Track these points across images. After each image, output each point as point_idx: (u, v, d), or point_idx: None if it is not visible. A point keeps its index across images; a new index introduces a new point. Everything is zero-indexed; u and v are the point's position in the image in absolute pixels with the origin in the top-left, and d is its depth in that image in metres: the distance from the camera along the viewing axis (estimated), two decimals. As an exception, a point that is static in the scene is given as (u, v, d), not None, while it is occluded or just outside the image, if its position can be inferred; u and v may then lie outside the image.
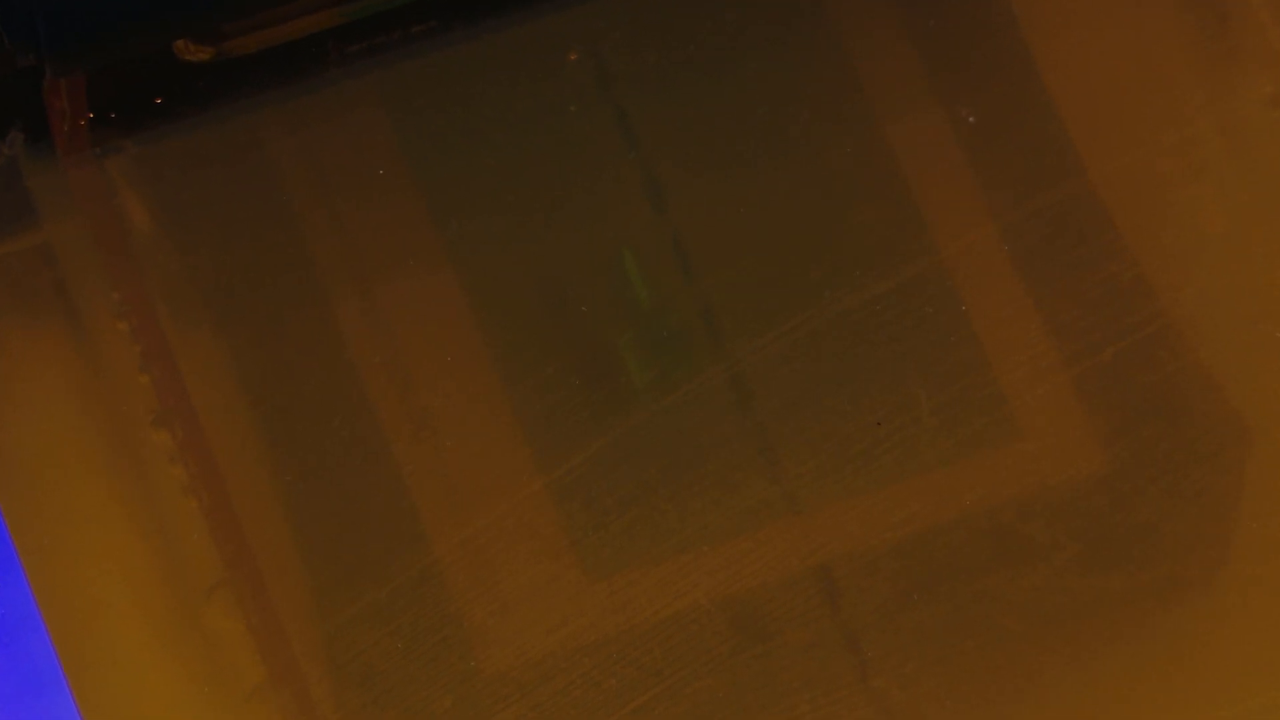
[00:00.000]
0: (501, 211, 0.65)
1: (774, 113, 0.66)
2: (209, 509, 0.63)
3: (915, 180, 0.65)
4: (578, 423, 0.64)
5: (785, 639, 0.63)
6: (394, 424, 0.64)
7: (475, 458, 0.64)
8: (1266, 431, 0.63)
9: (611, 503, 0.63)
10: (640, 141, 0.66)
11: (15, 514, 0.63)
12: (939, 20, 0.66)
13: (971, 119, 0.65)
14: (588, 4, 0.65)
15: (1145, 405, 0.63)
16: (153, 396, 0.64)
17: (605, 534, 0.63)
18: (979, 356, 0.64)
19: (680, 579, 0.63)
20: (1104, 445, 0.63)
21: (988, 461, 0.63)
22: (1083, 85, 0.66)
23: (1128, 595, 0.63)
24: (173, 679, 0.62)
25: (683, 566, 0.63)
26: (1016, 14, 0.65)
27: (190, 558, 0.63)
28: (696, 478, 0.64)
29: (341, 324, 0.65)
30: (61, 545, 0.63)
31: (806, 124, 0.66)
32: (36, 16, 0.58)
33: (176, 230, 0.65)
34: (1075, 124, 0.65)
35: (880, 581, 0.63)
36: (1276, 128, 0.65)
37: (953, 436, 0.64)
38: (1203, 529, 0.63)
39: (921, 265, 0.64)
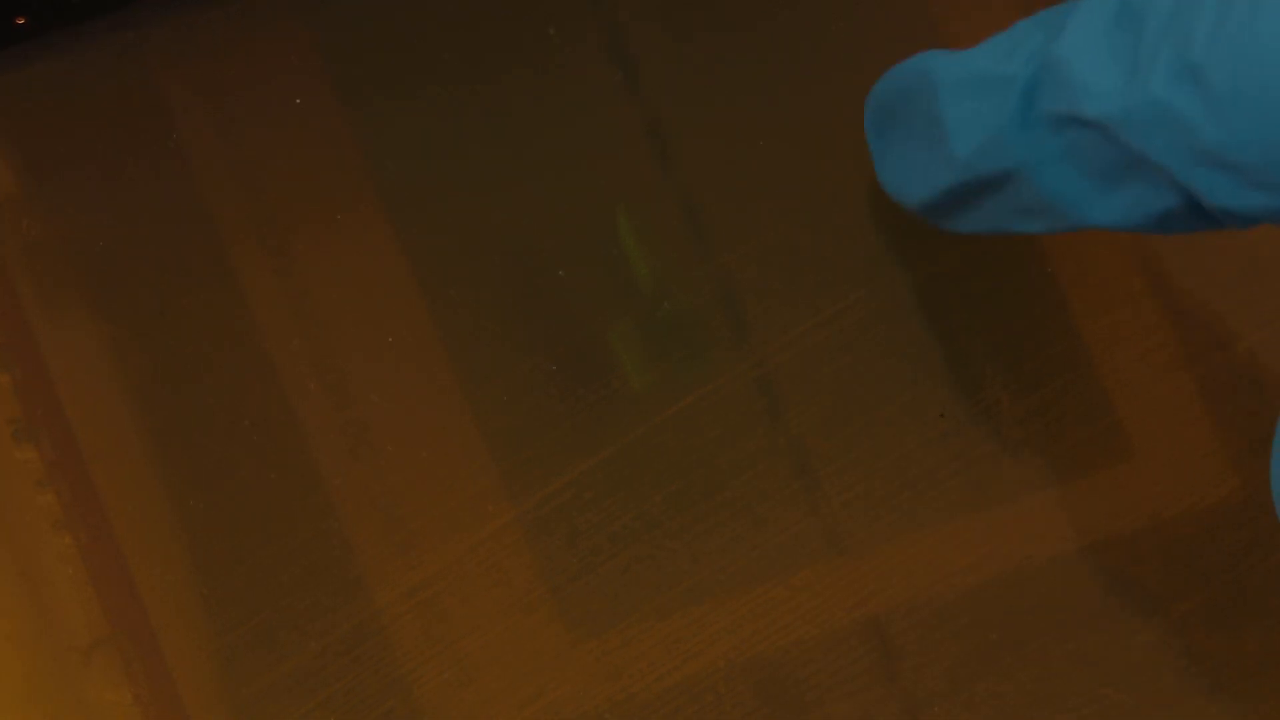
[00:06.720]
0: (457, 157, 0.55)
1: (814, 33, 0.55)
2: (87, 547, 0.54)
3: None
4: (559, 437, 0.54)
5: (826, 713, 0.54)
6: (324, 437, 0.54)
7: (427, 481, 0.54)
8: None
9: (602, 540, 0.54)
10: (641, 73, 0.55)
11: None
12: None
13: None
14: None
15: (1290, 413, 0.55)
16: (13, 403, 0.55)
17: (595, 580, 0.54)
18: (1076, 349, 0.55)
19: (692, 636, 0.54)
20: (1236, 466, 0.55)
21: (1087, 486, 0.55)
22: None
23: (1265, 658, 0.55)
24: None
25: (695, 620, 0.54)
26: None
27: (63, 610, 0.54)
28: (712, 508, 0.54)
29: (253, 304, 0.55)
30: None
31: (854, 45, 0.55)
32: None
33: (41, 185, 0.55)
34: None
35: (948, 639, 0.54)
36: None
37: (1042, 454, 0.54)
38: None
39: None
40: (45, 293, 0.54)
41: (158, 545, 0.54)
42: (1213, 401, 0.54)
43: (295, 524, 0.54)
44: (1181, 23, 0.36)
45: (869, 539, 0.54)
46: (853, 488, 0.54)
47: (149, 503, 0.54)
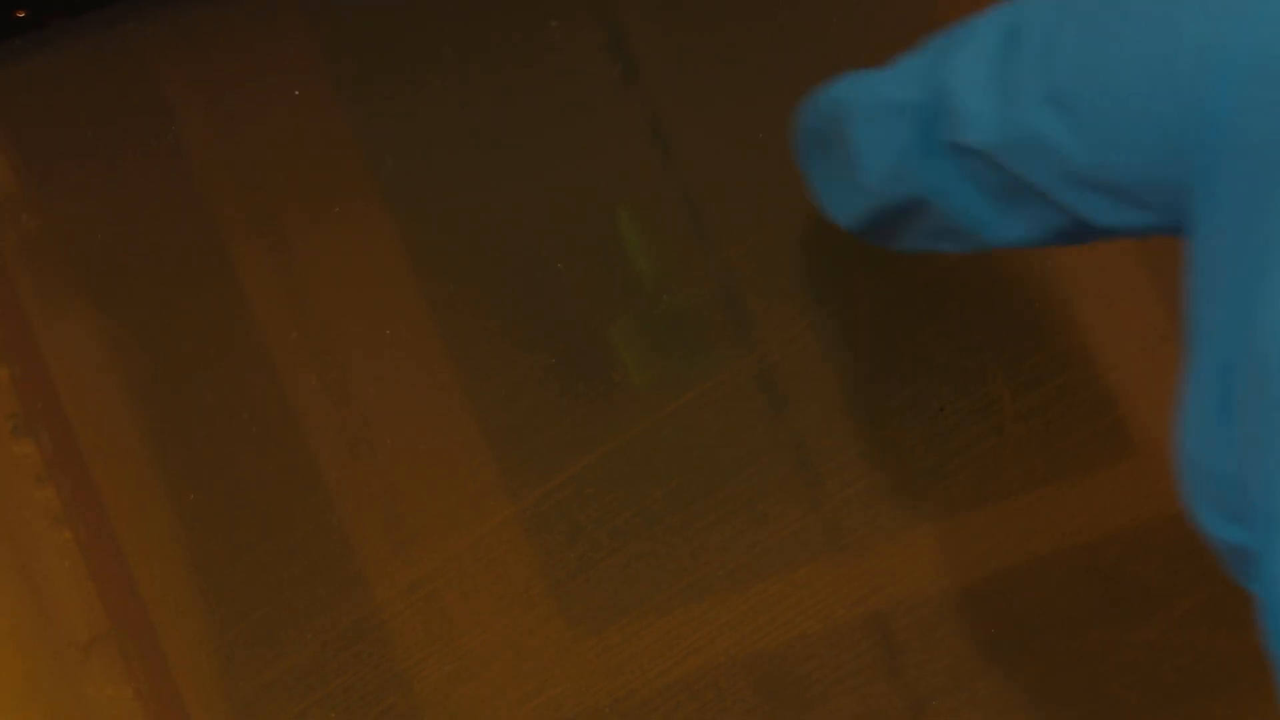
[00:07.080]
0: (457, 152, 0.54)
1: (814, 32, 0.54)
2: (86, 542, 0.53)
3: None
4: (559, 433, 0.54)
5: (829, 708, 0.53)
6: (323, 433, 0.54)
7: (427, 477, 0.53)
8: None
9: (603, 536, 0.53)
10: (642, 69, 0.54)
11: None
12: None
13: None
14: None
15: (1292, 408, 0.52)
16: (12, 398, 0.54)
17: (595, 576, 0.53)
18: (1078, 344, 0.54)
19: (693, 632, 0.53)
20: (1239, 461, 0.52)
21: (1089, 483, 0.54)
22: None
23: (1267, 656, 0.51)
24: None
25: (696, 616, 0.53)
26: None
27: (62, 606, 0.53)
28: (713, 504, 0.53)
29: (252, 299, 0.54)
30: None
31: (854, 44, 0.54)
32: None
33: (40, 180, 0.54)
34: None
35: (950, 636, 0.53)
36: None
37: (1044, 450, 0.54)
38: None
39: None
40: (44, 287, 0.54)
41: (157, 541, 0.53)
42: (1215, 397, 0.53)
43: (295, 520, 0.53)
44: (1051, 48, 0.36)
45: (870, 535, 0.53)
46: (854, 484, 0.53)
47: (148, 498, 0.53)
